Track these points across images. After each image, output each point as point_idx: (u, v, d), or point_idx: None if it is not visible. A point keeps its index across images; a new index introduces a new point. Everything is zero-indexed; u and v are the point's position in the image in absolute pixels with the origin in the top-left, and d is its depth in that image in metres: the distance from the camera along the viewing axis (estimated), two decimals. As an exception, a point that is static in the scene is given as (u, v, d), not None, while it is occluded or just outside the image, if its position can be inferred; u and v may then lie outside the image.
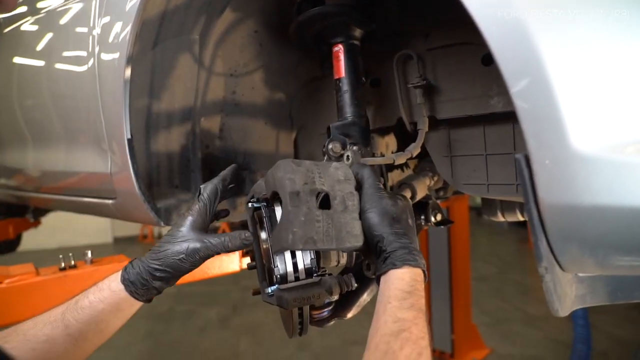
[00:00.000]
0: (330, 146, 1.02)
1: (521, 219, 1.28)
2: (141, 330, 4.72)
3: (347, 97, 1.05)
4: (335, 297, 0.90)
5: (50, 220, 3.62)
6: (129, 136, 1.17)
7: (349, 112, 1.05)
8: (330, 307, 1.01)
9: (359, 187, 0.84)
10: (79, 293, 1.20)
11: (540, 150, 0.52)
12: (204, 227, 0.85)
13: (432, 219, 1.31)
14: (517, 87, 0.51)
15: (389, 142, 1.35)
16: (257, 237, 0.88)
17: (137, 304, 0.81)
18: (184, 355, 4.18)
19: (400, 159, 0.99)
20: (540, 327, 4.29)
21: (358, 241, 0.78)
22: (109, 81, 1.21)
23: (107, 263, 1.36)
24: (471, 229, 4.15)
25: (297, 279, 0.84)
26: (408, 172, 1.45)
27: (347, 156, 0.98)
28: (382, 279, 0.74)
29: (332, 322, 1.03)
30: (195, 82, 1.30)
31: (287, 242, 0.75)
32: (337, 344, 4.13)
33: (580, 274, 0.67)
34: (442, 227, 1.35)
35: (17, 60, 1.83)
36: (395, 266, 0.73)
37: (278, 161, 0.81)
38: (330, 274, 0.87)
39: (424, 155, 1.24)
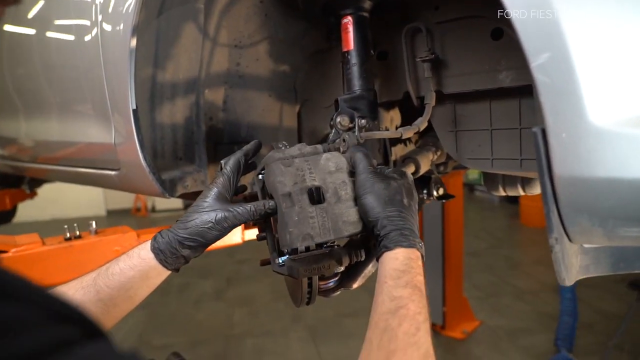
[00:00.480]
0: (338, 119, 1.03)
1: (522, 193, 1.31)
2: (137, 301, 4.78)
3: (355, 70, 1.05)
4: (342, 268, 0.92)
5: (42, 192, 3.60)
6: (135, 106, 1.17)
7: (357, 85, 1.05)
8: (336, 278, 1.04)
9: (354, 171, 0.85)
10: (84, 262, 1.22)
11: (557, 124, 0.53)
12: (227, 199, 0.86)
13: (435, 193, 1.33)
14: (537, 60, 0.52)
15: (393, 117, 1.36)
16: None
17: (165, 273, 0.83)
18: (180, 325, 4.25)
19: (408, 133, 1.00)
20: (529, 301, 4.41)
21: (356, 228, 0.81)
22: (114, 51, 1.19)
23: (112, 234, 1.37)
24: (466, 205, 4.20)
25: (307, 249, 0.86)
26: (411, 146, 1.47)
27: (343, 139, 0.98)
28: (379, 261, 0.77)
29: (337, 293, 1.05)
30: (200, 53, 1.28)
31: (286, 242, 0.78)
32: (330, 316, 4.22)
33: (586, 245, 0.69)
34: (444, 201, 1.37)
35: (15, 29, 1.79)
36: (387, 248, 0.75)
37: (270, 165, 0.83)
38: (339, 245, 0.88)
39: (427, 130, 1.25)
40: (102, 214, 9.53)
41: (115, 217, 9.25)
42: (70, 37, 1.39)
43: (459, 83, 1.07)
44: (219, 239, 0.83)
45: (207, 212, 0.82)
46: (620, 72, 0.52)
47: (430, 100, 1.07)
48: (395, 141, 1.41)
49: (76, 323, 0.38)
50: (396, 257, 0.73)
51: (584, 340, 3.59)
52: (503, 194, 1.35)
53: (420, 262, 0.75)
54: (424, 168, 1.25)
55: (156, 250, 0.81)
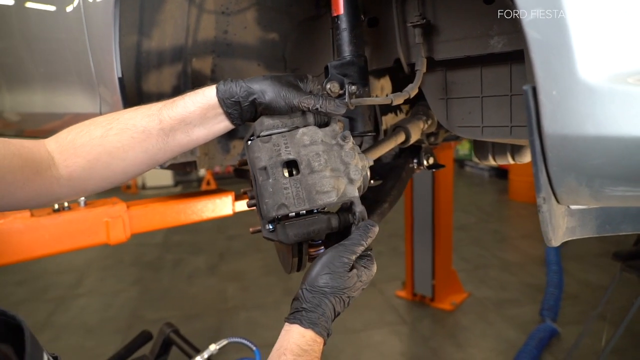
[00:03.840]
0: (328, 86, 1.01)
1: (511, 162, 1.32)
2: (130, 278, 4.80)
3: (345, 36, 1.03)
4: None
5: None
6: (120, 74, 1.14)
7: (347, 51, 1.03)
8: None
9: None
10: (73, 233, 1.22)
11: (548, 81, 0.53)
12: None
13: (425, 162, 1.34)
14: (530, 16, 0.51)
15: (384, 85, 1.34)
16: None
17: (222, 121, 0.85)
18: (174, 300, 4.28)
19: (398, 100, 0.99)
20: (515, 273, 4.51)
21: (330, 197, 0.83)
22: (97, 18, 1.16)
23: (101, 205, 1.36)
24: (453, 180, 4.24)
25: (297, 215, 0.87)
26: (402, 116, 1.46)
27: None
28: (286, 326, 0.79)
29: (328, 259, 1.06)
30: (186, 20, 1.25)
31: (263, 212, 0.82)
32: (322, 289, 4.28)
33: (572, 207, 0.70)
34: (433, 170, 1.38)
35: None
36: (302, 324, 0.78)
37: (251, 143, 0.85)
38: (329, 211, 0.88)
39: (418, 98, 1.24)
40: (91, 192, 9.44)
41: (105, 194, 9.16)
42: (52, 8, 1.35)
43: (450, 49, 1.06)
44: (276, 104, 0.84)
45: (281, 78, 0.85)
46: (610, 28, 0.52)
47: (421, 66, 1.05)
48: (386, 110, 1.40)
49: None
50: (304, 335, 0.76)
51: (568, 310, 3.70)
52: (493, 163, 1.35)
53: (320, 348, 0.78)
54: (415, 137, 1.25)
55: (219, 87, 0.83)
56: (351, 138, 0.88)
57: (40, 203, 0.81)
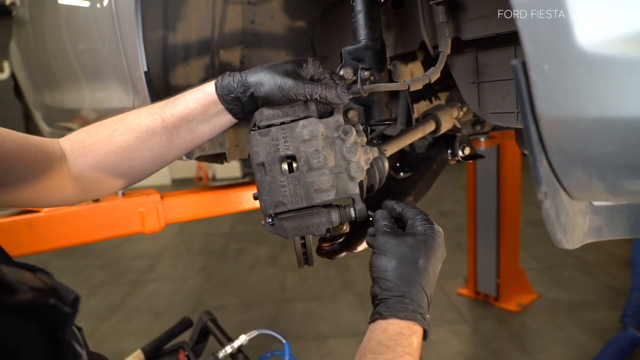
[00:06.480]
0: (341, 72, 0.96)
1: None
2: (197, 265, 5.05)
3: (360, 18, 0.97)
4: (346, 229, 0.88)
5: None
6: (146, 68, 1.17)
7: (362, 34, 0.97)
8: (340, 240, 1.00)
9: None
10: (111, 221, 1.27)
11: (538, 54, 0.44)
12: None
13: (460, 153, 1.23)
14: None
15: (413, 70, 1.25)
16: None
17: (224, 115, 0.84)
18: (235, 288, 4.43)
19: (416, 85, 0.91)
20: (594, 274, 4.11)
21: (329, 195, 0.81)
22: (125, 14, 1.19)
23: (137, 195, 1.42)
24: (528, 172, 3.94)
25: (299, 208, 0.83)
26: (438, 104, 1.36)
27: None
28: (370, 326, 0.70)
29: (342, 255, 1.02)
30: (211, 12, 1.25)
31: (262, 208, 0.82)
32: (380, 283, 4.20)
33: (596, 204, 0.59)
34: (471, 161, 1.27)
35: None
36: (381, 316, 0.68)
37: (249, 135, 0.82)
38: (330, 205, 0.84)
39: (454, 83, 1.14)
40: (167, 183, 10.08)
41: (179, 185, 9.74)
42: (91, 6, 1.41)
43: (478, 27, 0.95)
44: (273, 97, 0.80)
45: (278, 67, 0.81)
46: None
47: (445, 47, 0.96)
48: (418, 98, 1.32)
49: None
50: (385, 329, 0.66)
51: (655, 317, 3.30)
52: (536, 152, 1.21)
53: (414, 339, 0.66)
54: (446, 125, 1.15)
55: (217, 83, 0.82)
56: (353, 132, 0.82)
57: (50, 200, 0.83)
